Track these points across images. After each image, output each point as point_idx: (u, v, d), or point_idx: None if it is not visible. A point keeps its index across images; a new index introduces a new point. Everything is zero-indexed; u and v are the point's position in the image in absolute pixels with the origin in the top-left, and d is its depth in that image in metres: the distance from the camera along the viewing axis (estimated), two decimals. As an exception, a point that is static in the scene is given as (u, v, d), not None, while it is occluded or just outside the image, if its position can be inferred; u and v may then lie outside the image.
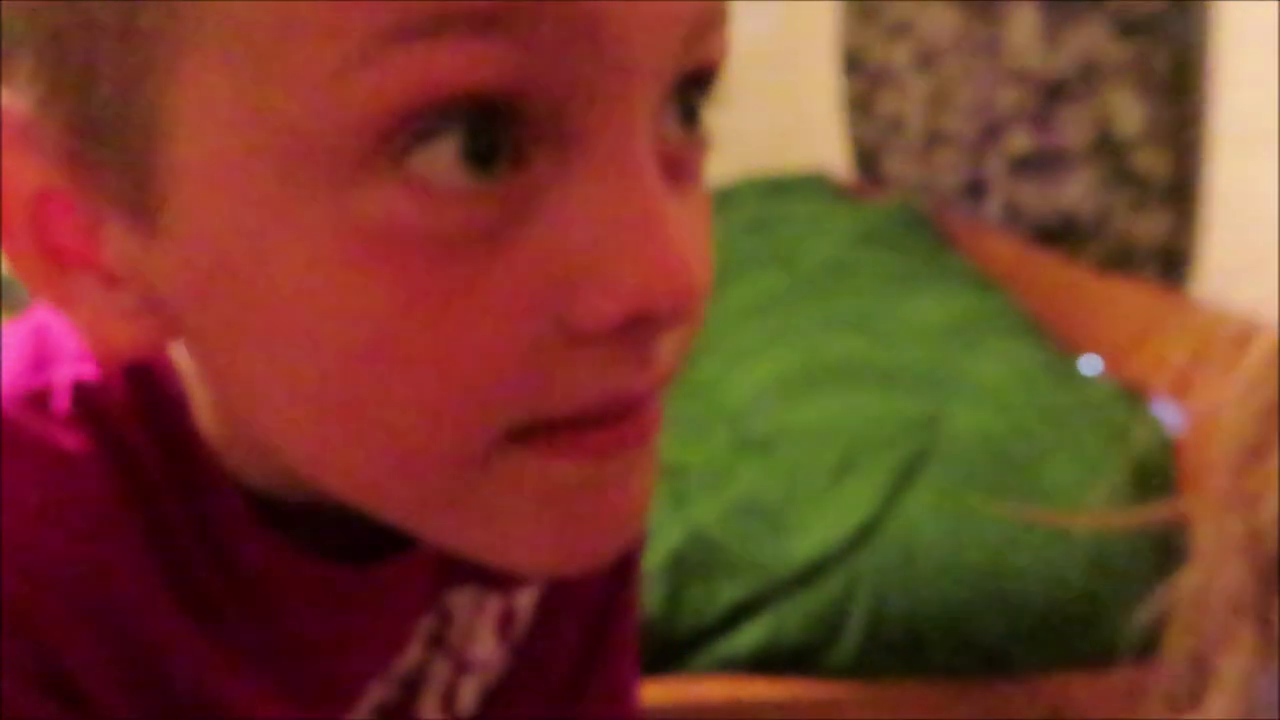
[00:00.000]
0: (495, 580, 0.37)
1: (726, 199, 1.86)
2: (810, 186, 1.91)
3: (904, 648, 1.04)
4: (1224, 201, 1.19)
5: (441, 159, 0.22)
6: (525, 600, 0.38)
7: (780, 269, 1.56)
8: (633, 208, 0.24)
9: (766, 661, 1.04)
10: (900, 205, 1.67)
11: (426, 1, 0.21)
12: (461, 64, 0.22)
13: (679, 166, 0.26)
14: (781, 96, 2.16)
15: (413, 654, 0.35)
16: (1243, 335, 0.52)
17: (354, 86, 0.22)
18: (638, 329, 0.24)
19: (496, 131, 0.23)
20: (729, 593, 1.05)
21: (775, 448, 1.16)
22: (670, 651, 1.05)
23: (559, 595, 0.39)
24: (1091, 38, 1.27)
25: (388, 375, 0.23)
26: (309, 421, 0.25)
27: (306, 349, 0.23)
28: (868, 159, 1.93)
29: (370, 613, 0.32)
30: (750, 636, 1.04)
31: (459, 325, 0.23)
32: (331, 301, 0.23)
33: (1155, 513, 0.44)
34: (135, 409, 0.27)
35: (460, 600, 0.36)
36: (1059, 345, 1.31)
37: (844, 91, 1.98)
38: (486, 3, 0.22)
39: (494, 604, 0.37)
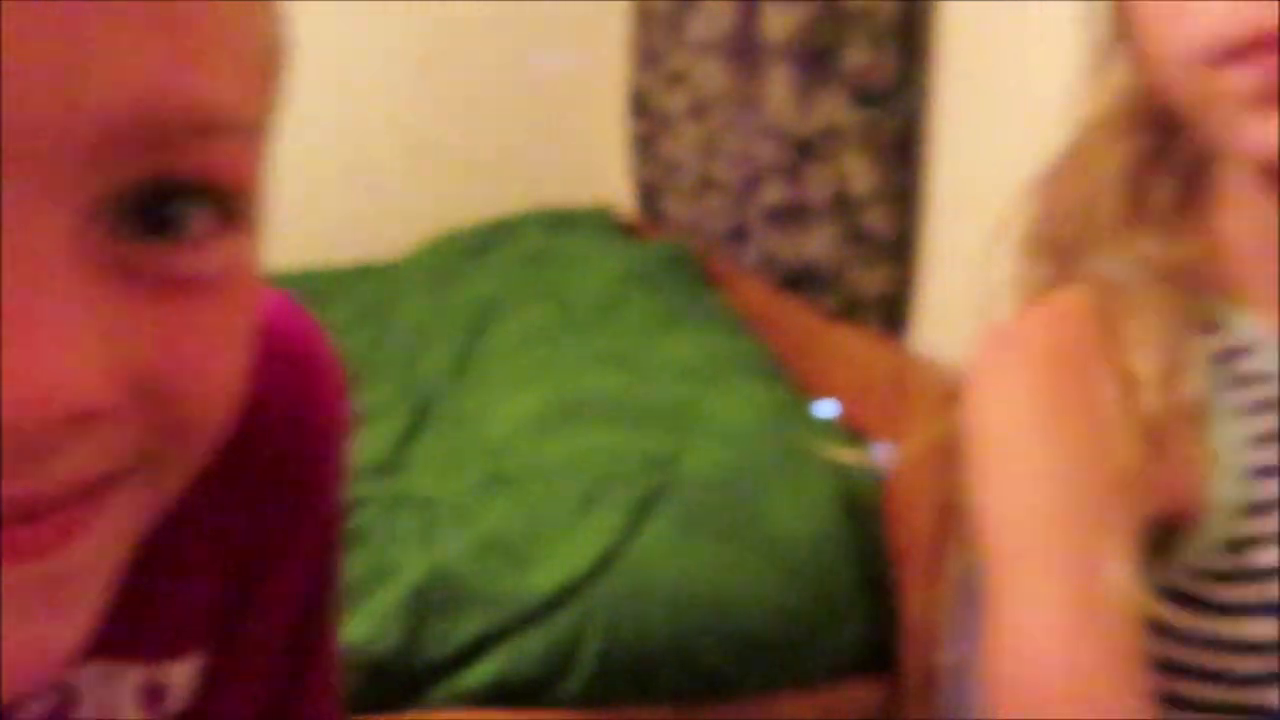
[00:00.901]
0: (133, 650, 0.35)
1: (508, 231, 1.90)
2: (594, 222, 1.97)
3: (634, 676, 1.09)
4: (940, 259, 1.32)
5: None
6: (181, 671, 0.37)
7: (553, 304, 1.61)
8: None
9: (503, 694, 1.07)
10: (671, 246, 1.75)
11: None
12: None
13: (137, 273, 0.25)
14: (575, 132, 2.22)
15: None
16: (945, 383, 0.60)
17: None
18: None
19: None
20: (468, 627, 1.07)
21: (524, 483, 1.20)
22: (408, 686, 1.06)
23: (232, 657, 0.37)
24: (833, 104, 1.38)
25: None
26: None
27: None
28: (651, 198, 2.01)
29: None
30: (488, 670, 1.07)
31: None
32: None
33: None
34: None
35: (87, 677, 0.34)
36: (799, 388, 1.40)
37: (630, 132, 2.05)
38: None
39: (135, 675, 0.35)
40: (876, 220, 1.33)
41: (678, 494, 1.17)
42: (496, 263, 1.77)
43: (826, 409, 1.36)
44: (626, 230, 1.98)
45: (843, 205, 1.37)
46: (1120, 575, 0.43)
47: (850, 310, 1.36)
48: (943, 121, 1.32)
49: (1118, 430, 0.45)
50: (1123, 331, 0.48)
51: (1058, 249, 0.54)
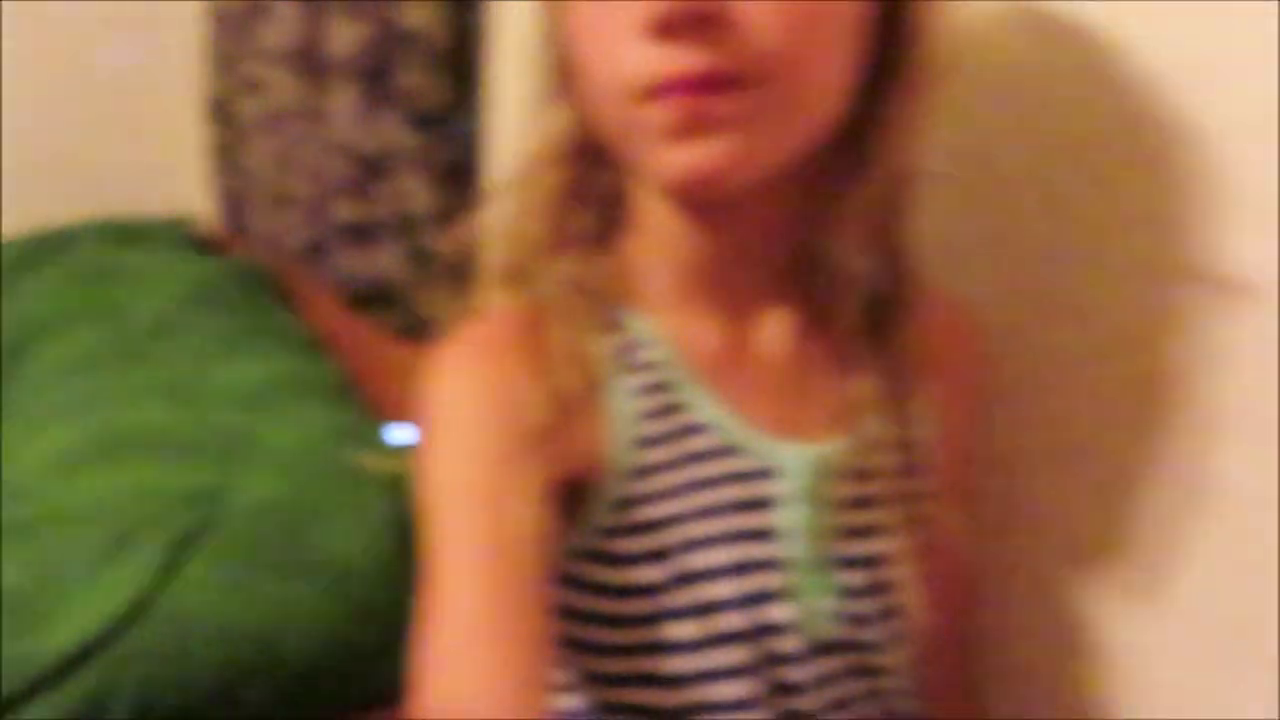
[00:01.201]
0: None
1: (63, 244, 1.73)
2: (166, 235, 1.84)
3: (174, 722, 1.04)
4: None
5: None
6: None
7: (107, 326, 1.49)
8: None
9: (18, 765, 0.98)
10: (245, 262, 1.68)
11: None
12: None
13: None
14: (150, 137, 2.06)
15: None
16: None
17: None
18: None
19: None
20: (-31, 699, 0.97)
21: (44, 530, 1.10)
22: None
23: None
24: (392, 124, 1.39)
25: None
26: None
27: None
28: (235, 209, 1.91)
29: None
30: (-5, 742, 0.98)
31: None
32: None
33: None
34: None
35: None
36: (369, 409, 1.40)
37: (210, 139, 1.94)
38: None
39: None
40: (435, 241, 1.36)
41: (224, 529, 1.12)
42: (46, 279, 1.61)
43: (402, 433, 1.37)
44: (206, 244, 1.87)
45: (406, 225, 1.39)
46: (525, 513, 0.50)
47: (417, 329, 1.38)
48: (498, 146, 1.37)
49: (532, 401, 0.53)
50: (544, 330, 0.56)
51: (504, 269, 0.61)
